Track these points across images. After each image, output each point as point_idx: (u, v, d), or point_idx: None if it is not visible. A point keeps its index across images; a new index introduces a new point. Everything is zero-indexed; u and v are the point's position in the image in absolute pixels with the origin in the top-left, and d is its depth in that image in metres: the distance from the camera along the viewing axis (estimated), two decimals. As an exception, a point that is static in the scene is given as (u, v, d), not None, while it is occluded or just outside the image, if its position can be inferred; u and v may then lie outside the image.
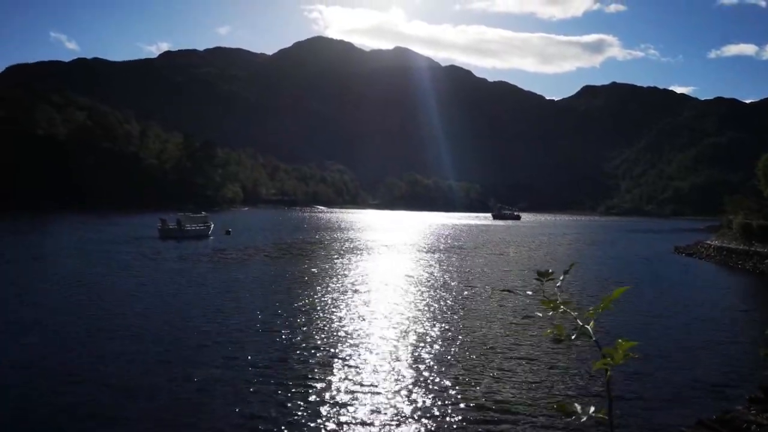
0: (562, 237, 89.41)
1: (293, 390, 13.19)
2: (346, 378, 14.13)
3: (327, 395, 12.92)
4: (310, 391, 13.09)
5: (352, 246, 54.68)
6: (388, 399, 12.86)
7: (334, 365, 15.15)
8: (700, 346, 18.95)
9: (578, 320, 2.00)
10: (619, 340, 1.89)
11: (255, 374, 14.16)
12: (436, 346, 17.41)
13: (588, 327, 1.95)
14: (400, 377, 14.37)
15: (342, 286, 28.99)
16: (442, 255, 48.42)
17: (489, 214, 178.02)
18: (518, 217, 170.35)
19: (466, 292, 28.11)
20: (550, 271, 2.23)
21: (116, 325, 19.07)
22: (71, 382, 13.39)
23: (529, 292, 2.28)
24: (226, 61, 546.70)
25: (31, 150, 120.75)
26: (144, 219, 74.09)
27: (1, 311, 21.04)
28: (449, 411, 12.25)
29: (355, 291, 27.44)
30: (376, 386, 13.64)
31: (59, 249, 42.98)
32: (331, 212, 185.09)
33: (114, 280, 28.94)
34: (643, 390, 13.99)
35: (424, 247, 56.23)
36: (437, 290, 28.46)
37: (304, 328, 19.17)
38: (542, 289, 2.19)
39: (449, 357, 16.36)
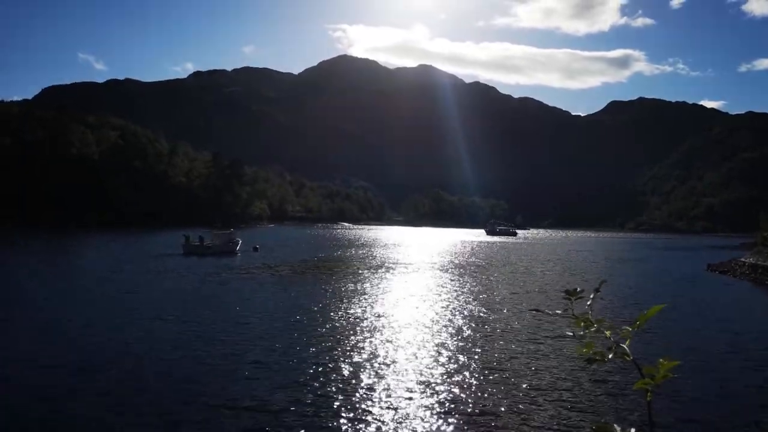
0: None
1: (308, 419, 13.11)
2: (367, 403, 14.00)
3: (345, 420, 12.81)
4: (328, 416, 12.93)
5: (373, 263, 54.59)
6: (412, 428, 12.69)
7: (352, 387, 15.03)
8: (745, 371, 18.24)
9: (613, 339, 1.94)
10: (660, 360, 1.85)
11: (265, 416, 13.01)
12: (465, 367, 17.19)
13: (624, 346, 1.89)
14: (425, 404, 14.19)
15: (362, 304, 28.94)
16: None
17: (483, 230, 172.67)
18: (515, 234, 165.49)
19: (493, 315, 27.78)
20: (579, 289, 2.16)
21: (115, 353, 17.65)
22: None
23: (558, 312, 2.20)
24: (254, 80, 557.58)
25: (65, 169, 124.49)
26: (171, 236, 75.31)
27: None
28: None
29: (378, 309, 27.35)
30: (396, 411, 13.49)
31: (75, 268, 43.03)
32: (356, 229, 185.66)
33: (121, 299, 28.31)
34: (687, 416, 13.55)
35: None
36: (452, 310, 28.20)
37: (321, 352, 18.97)
38: (571, 308, 2.13)
39: (480, 378, 16.11)
